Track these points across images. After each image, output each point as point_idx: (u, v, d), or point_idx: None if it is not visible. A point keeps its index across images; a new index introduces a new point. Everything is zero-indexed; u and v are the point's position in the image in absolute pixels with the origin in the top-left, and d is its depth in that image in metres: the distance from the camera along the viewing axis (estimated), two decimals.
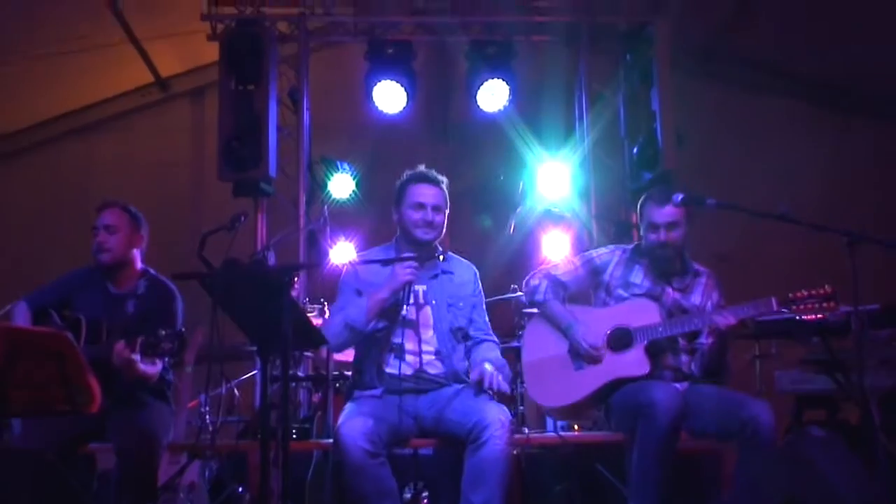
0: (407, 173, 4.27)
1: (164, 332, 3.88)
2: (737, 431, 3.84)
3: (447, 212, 4.23)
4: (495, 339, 4.32)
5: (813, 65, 7.79)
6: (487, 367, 3.98)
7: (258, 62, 6.45)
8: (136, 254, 4.43)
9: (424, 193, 4.16)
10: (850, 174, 7.68)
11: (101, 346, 4.01)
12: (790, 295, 3.95)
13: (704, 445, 4.20)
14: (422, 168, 4.28)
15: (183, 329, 4.07)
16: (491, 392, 3.94)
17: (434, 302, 4.14)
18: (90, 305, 4.27)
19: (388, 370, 4.05)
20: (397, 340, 4.07)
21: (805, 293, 3.94)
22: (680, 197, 4.13)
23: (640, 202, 4.33)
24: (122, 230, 4.35)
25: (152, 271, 4.46)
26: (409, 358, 4.07)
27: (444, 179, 4.24)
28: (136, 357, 3.92)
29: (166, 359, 4.07)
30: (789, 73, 8.07)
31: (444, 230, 4.22)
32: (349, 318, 4.03)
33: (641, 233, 4.33)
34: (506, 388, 3.98)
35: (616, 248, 4.49)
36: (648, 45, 6.66)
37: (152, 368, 4.09)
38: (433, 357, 4.10)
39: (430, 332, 4.12)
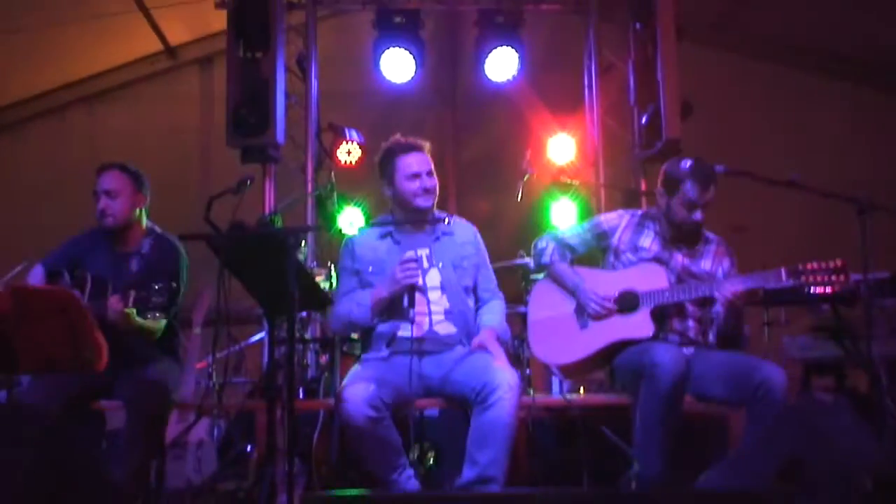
0: (387, 145, 4.25)
1: (156, 286, 3.89)
2: (749, 394, 3.83)
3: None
4: (501, 295, 4.32)
5: (825, 36, 7.73)
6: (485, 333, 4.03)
7: (266, 30, 6.41)
8: (140, 213, 4.44)
9: (416, 162, 4.16)
10: (863, 145, 7.63)
11: (98, 303, 4.03)
12: (799, 266, 3.91)
13: (711, 410, 4.20)
14: (399, 136, 4.27)
15: (176, 285, 4.11)
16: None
17: (440, 264, 4.15)
18: (97, 265, 4.31)
19: (398, 334, 4.06)
20: (406, 304, 4.05)
21: (815, 265, 3.90)
22: (689, 163, 4.11)
23: (671, 173, 4.19)
24: (123, 193, 4.35)
25: (158, 229, 4.47)
26: (418, 319, 4.06)
27: (426, 144, 4.24)
28: (132, 311, 3.94)
29: (170, 313, 4.07)
30: (801, 45, 8.02)
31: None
32: (353, 317, 4.09)
33: (666, 203, 4.22)
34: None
35: (625, 212, 4.47)
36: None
37: (153, 323, 4.09)
38: (443, 318, 4.10)
39: (439, 294, 4.13)
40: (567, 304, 4.32)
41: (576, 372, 4.53)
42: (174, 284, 4.03)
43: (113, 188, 4.33)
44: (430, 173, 4.17)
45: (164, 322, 4.18)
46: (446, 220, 4.21)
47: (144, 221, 4.46)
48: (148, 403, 3.98)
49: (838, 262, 3.88)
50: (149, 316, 3.99)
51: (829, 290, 3.95)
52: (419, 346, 4.02)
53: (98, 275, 4.22)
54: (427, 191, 4.13)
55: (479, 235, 4.38)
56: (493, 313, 4.22)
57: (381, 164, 4.24)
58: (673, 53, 6.48)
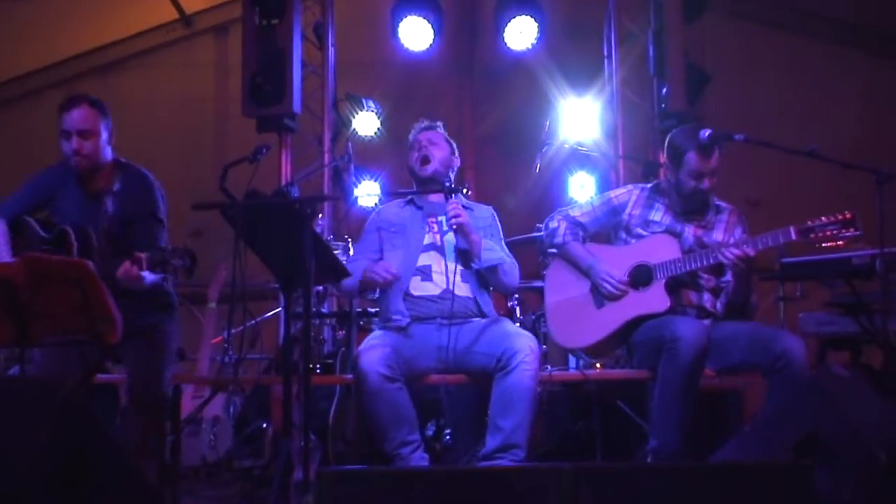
0: None
1: (170, 248, 3.72)
2: (768, 365, 3.82)
3: (450, 151, 4.39)
4: (512, 258, 4.32)
5: (846, 5, 7.60)
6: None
7: None
8: (109, 148, 4.07)
9: (420, 137, 4.39)
10: (885, 115, 7.52)
11: (102, 266, 3.72)
12: (808, 222, 3.86)
13: (727, 382, 4.17)
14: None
15: (163, 224, 3.97)
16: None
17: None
18: (68, 208, 3.99)
19: (414, 292, 4.13)
20: (424, 263, 4.17)
21: (824, 219, 3.84)
22: (707, 133, 4.06)
23: (673, 146, 4.19)
24: (96, 131, 3.96)
25: (123, 160, 4.14)
26: (436, 278, 4.14)
27: (439, 123, 4.48)
28: (145, 274, 3.73)
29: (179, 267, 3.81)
30: (822, 13, 7.89)
31: (449, 166, 4.35)
32: (345, 285, 4.16)
33: (675, 176, 4.20)
34: (463, 221, 4.02)
35: (634, 186, 4.45)
36: None
37: (152, 277, 3.85)
38: (460, 279, 4.13)
39: (454, 256, 4.17)
40: (582, 285, 4.30)
41: (597, 352, 4.50)
42: (186, 247, 3.77)
43: (88, 128, 3.94)
44: (430, 142, 4.34)
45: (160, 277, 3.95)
46: (465, 189, 4.34)
47: (110, 155, 4.09)
48: (149, 390, 3.82)
49: (847, 215, 3.81)
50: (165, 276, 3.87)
51: (840, 243, 3.90)
52: (436, 307, 4.07)
53: (73, 221, 3.91)
54: (424, 159, 4.29)
55: (496, 218, 4.44)
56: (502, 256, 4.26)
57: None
58: (679, 23, 6.40)
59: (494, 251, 4.20)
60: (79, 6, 7.19)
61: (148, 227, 3.98)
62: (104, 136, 4.00)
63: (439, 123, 4.48)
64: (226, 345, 5.08)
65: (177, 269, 3.72)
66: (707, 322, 4.11)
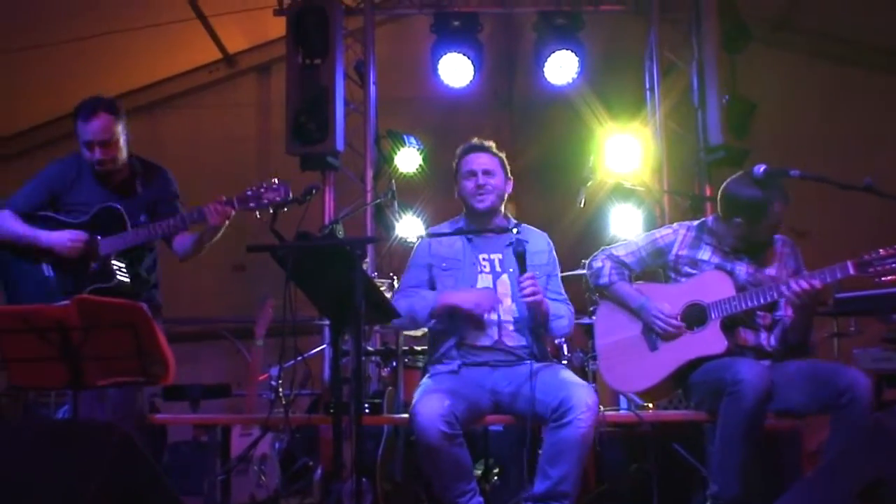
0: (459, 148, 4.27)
1: (265, 184, 3.91)
2: (832, 402, 3.69)
3: (505, 178, 4.19)
4: (571, 306, 4.20)
5: (892, 33, 7.52)
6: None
7: (324, 36, 6.41)
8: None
9: (474, 161, 4.14)
10: None
11: (194, 211, 4.02)
12: (865, 256, 3.73)
13: (781, 423, 4.05)
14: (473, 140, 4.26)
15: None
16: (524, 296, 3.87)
17: (511, 270, 4.06)
18: (92, 196, 4.07)
19: (466, 341, 4.01)
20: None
21: (882, 252, 3.71)
22: (762, 168, 3.96)
23: (749, 198, 3.97)
24: (117, 137, 4.05)
25: (133, 155, 4.22)
26: (488, 328, 4.00)
27: (492, 144, 4.21)
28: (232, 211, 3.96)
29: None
30: (866, 43, 7.82)
31: (504, 196, 4.18)
32: (414, 309, 4.01)
33: (749, 228, 4.02)
34: (540, 299, 3.87)
35: (680, 225, 4.31)
36: (725, 14, 6.48)
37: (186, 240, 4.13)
38: (512, 328, 4.02)
39: (509, 301, 4.04)
40: (633, 326, 4.18)
41: (652, 396, 4.38)
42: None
43: (108, 137, 4.02)
44: (486, 172, 4.11)
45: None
46: (514, 229, 4.12)
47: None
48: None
49: None
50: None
51: None
52: (489, 356, 3.97)
53: (107, 205, 4.02)
54: (481, 188, 4.08)
55: (552, 245, 4.28)
56: (559, 310, 4.11)
57: (454, 166, 4.25)
58: (714, 57, 6.42)
59: (562, 318, 4.07)
60: (125, 46, 7.27)
61: (173, 206, 4.15)
62: (123, 138, 4.08)
63: (492, 143, 4.22)
64: (274, 382, 5.06)
65: (275, 202, 3.90)
66: (767, 363, 3.98)
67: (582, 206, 6.05)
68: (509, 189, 4.22)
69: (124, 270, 4.05)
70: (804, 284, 3.78)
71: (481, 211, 4.11)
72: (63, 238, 3.98)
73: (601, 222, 6.86)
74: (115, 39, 7.07)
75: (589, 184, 6.02)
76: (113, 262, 4.02)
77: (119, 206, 4.03)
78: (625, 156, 6.69)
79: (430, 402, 3.69)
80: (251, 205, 3.98)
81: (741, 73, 6.52)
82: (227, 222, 4.01)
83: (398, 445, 4.74)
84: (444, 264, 4.12)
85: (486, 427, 4.31)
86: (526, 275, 3.86)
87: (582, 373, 4.99)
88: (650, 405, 4.69)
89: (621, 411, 4.82)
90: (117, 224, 4.02)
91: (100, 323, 3.23)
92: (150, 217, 4.10)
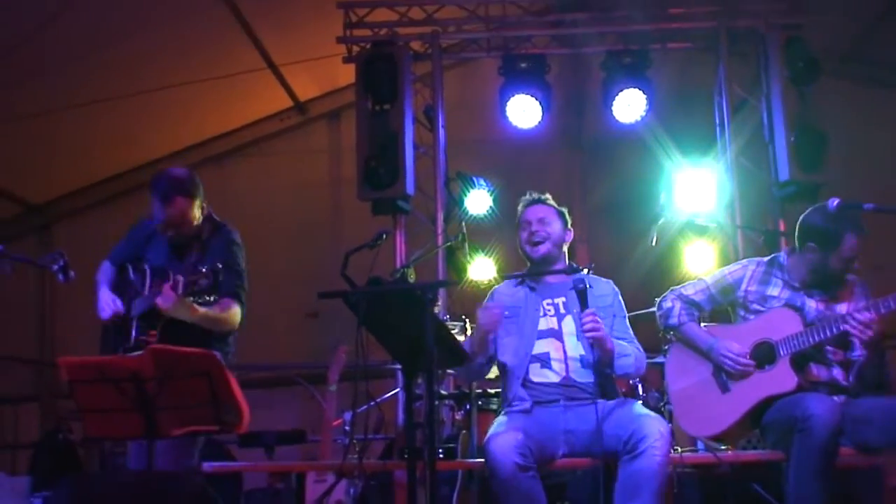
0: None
1: (202, 269, 3.80)
2: None
3: (563, 227, 4.24)
4: (637, 344, 4.16)
5: None
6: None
7: (393, 82, 6.50)
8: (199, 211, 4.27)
9: (528, 212, 4.25)
10: None
11: (149, 295, 3.97)
12: None
13: (862, 459, 3.94)
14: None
15: (222, 265, 3.93)
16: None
17: (575, 310, 4.06)
18: (157, 256, 4.24)
19: (534, 379, 4.03)
20: (541, 350, 4.05)
21: None
22: (836, 203, 3.90)
23: (823, 229, 3.97)
24: (190, 218, 4.19)
25: (215, 216, 4.32)
26: (555, 366, 4.02)
27: (548, 196, 4.32)
28: (189, 299, 3.86)
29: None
30: None
31: (562, 246, 4.22)
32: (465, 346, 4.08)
33: (822, 259, 4.00)
34: (602, 335, 3.86)
35: (749, 261, 4.31)
36: (794, 47, 6.40)
37: (218, 313, 4.03)
38: (579, 365, 4.02)
39: (575, 340, 4.06)
40: (703, 368, 4.17)
41: (728, 439, 4.31)
42: (219, 265, 3.87)
43: (182, 214, 4.17)
44: (540, 221, 4.19)
45: (237, 308, 4.12)
46: (586, 269, 4.14)
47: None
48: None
49: None
50: (200, 300, 3.93)
51: None
52: (558, 393, 3.97)
53: (157, 265, 4.14)
54: (533, 238, 4.16)
55: (618, 292, 4.29)
56: (625, 349, 4.08)
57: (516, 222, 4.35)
58: (781, 92, 6.35)
59: (628, 356, 4.04)
60: (197, 97, 7.45)
61: (230, 277, 4.08)
62: (196, 212, 4.20)
63: (547, 195, 4.33)
64: (347, 427, 5.07)
65: (203, 289, 3.83)
66: (840, 398, 3.93)
67: (654, 243, 5.98)
68: (568, 238, 4.28)
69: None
70: (867, 314, 3.78)
71: (537, 259, 4.19)
72: (101, 299, 4.21)
73: (673, 260, 6.78)
74: (188, 90, 7.26)
75: (661, 221, 5.96)
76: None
77: (169, 269, 4.07)
78: (696, 192, 6.61)
79: (503, 436, 3.72)
80: (188, 290, 3.88)
81: (809, 106, 6.42)
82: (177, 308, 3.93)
83: (472, 490, 4.70)
84: (506, 312, 4.14)
85: (562, 473, 4.24)
86: (587, 310, 3.88)
87: (657, 413, 4.90)
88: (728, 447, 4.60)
89: (699, 452, 4.72)
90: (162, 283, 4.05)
91: (174, 373, 3.28)
92: (207, 282, 4.02)
